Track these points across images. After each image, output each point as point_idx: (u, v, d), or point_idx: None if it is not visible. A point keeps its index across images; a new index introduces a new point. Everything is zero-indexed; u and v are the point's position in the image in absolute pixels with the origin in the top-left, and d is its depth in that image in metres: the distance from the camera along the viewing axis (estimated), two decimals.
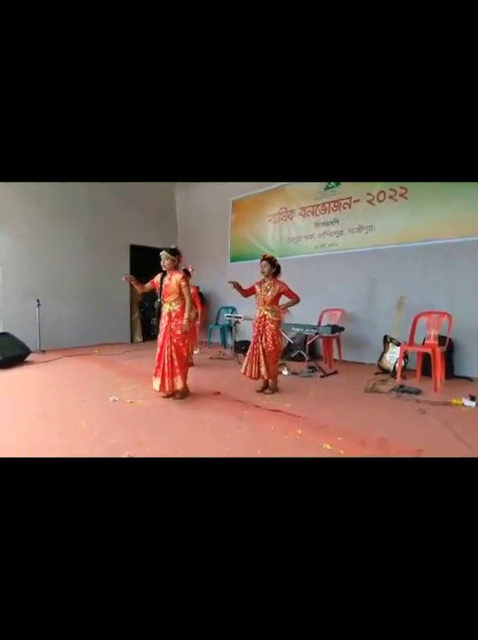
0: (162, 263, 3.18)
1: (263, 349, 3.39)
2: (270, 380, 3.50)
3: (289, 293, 3.43)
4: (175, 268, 3.20)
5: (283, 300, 3.52)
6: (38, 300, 5.58)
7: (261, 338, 3.42)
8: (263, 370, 3.39)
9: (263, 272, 3.44)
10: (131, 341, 7.26)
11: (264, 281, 3.48)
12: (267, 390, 3.50)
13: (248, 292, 3.54)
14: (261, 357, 3.39)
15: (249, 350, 3.51)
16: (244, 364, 3.51)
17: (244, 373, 3.48)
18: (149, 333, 7.77)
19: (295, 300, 3.45)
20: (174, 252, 3.19)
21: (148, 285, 3.36)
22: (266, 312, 3.43)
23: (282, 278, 3.52)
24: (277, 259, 3.53)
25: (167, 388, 3.11)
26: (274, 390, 3.50)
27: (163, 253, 3.18)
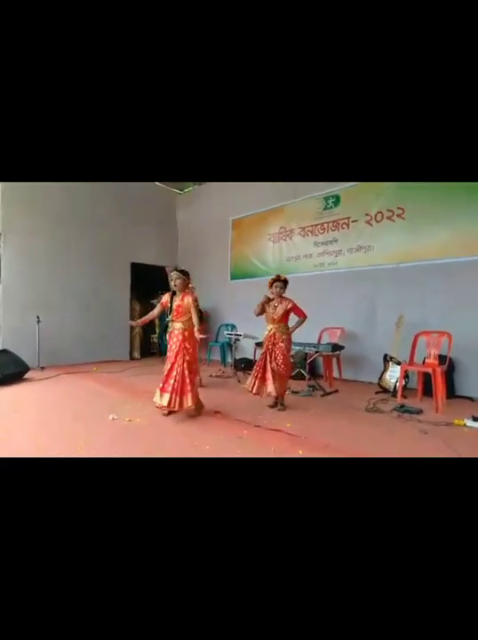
0: (173, 283, 3.27)
1: (272, 369, 3.43)
2: (280, 398, 3.56)
3: (296, 310, 3.49)
4: (186, 287, 3.27)
5: (293, 317, 3.57)
6: (38, 317, 5.59)
7: (270, 356, 3.47)
8: (270, 387, 3.42)
9: (274, 293, 3.49)
10: (131, 358, 7.23)
11: (272, 299, 3.53)
12: (279, 406, 3.54)
13: (261, 313, 3.59)
14: (268, 375, 3.44)
15: (256, 366, 3.55)
16: (250, 380, 3.54)
17: (249, 389, 3.52)
18: (148, 350, 7.76)
19: (302, 319, 3.52)
20: (185, 273, 3.29)
21: (157, 310, 3.41)
22: (275, 330, 3.49)
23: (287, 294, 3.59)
24: (287, 277, 3.61)
25: (173, 405, 3.10)
26: (284, 406, 3.55)
27: (174, 273, 3.27)
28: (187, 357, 3.16)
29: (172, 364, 3.17)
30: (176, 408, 3.13)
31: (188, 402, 3.11)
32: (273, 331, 3.50)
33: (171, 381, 3.12)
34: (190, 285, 3.41)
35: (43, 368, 5.54)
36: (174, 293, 3.28)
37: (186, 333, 3.19)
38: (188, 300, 3.21)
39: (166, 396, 3.11)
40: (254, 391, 3.47)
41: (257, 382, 3.46)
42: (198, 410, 3.27)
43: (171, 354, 3.23)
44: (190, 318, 3.21)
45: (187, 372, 3.13)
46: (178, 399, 3.09)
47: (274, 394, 3.46)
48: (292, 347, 4.59)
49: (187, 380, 3.12)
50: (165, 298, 3.32)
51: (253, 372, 3.55)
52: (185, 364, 3.14)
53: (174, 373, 3.13)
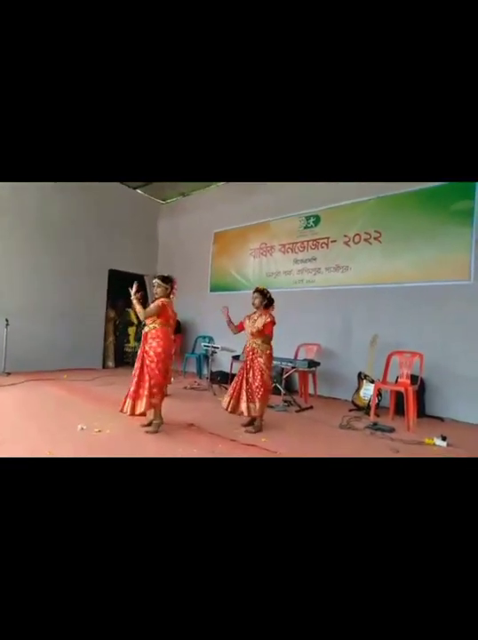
0: (154, 291, 3.17)
1: (249, 385, 3.27)
2: (256, 418, 3.32)
3: (268, 326, 3.30)
4: (166, 295, 3.16)
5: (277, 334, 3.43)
6: (7, 320, 5.34)
7: (249, 373, 3.30)
8: (243, 406, 3.24)
9: (253, 304, 3.37)
10: (104, 367, 7.02)
11: (254, 313, 3.40)
12: (251, 428, 3.29)
13: (239, 328, 3.43)
14: (243, 393, 3.26)
15: (233, 382, 3.39)
16: (225, 398, 3.37)
17: (225, 407, 3.34)
18: (122, 359, 7.56)
19: (264, 336, 3.30)
20: (166, 280, 3.17)
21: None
22: (255, 345, 3.32)
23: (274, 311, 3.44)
24: (269, 291, 3.45)
25: (125, 410, 2.96)
26: (258, 429, 3.27)
27: (155, 280, 3.16)
28: (147, 362, 3.01)
29: (139, 369, 3.03)
30: (130, 413, 2.96)
31: (142, 407, 2.96)
32: (252, 345, 3.35)
33: (140, 390, 2.98)
34: (173, 294, 3.25)
35: (8, 374, 5.27)
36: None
37: (149, 336, 3.06)
38: (157, 303, 3.09)
39: (129, 402, 2.97)
40: (229, 410, 3.31)
41: (232, 401, 3.30)
42: (156, 426, 3.08)
43: (137, 360, 3.09)
44: (156, 320, 3.06)
45: (147, 377, 2.98)
46: (131, 404, 2.95)
47: (245, 414, 3.26)
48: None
49: (144, 385, 2.97)
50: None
51: (230, 388, 3.39)
52: (145, 368, 3.01)
53: (136, 379, 3.00)
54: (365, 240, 5.03)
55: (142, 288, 3.21)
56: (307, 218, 5.69)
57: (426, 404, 4.25)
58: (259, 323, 3.32)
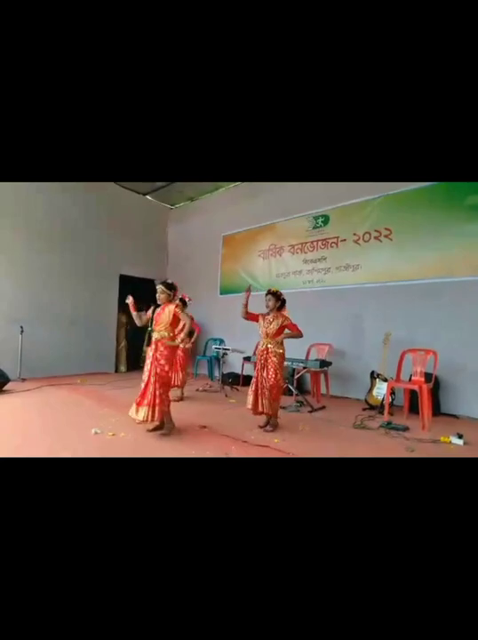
0: (157, 296, 3.20)
1: (263, 385, 3.34)
2: (271, 417, 3.41)
3: (292, 327, 3.39)
4: (170, 301, 3.20)
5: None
6: (22, 327, 5.46)
7: (263, 371, 3.37)
8: (262, 403, 3.34)
9: (267, 306, 3.43)
10: (116, 371, 7.10)
11: (268, 314, 3.46)
12: (268, 426, 3.38)
13: (250, 316, 3.45)
14: (264, 391, 3.34)
15: (251, 384, 3.44)
16: (249, 399, 3.41)
17: (250, 408, 3.39)
18: (136, 364, 7.63)
19: (297, 333, 3.39)
20: (171, 287, 3.21)
21: (145, 319, 3.33)
22: (269, 345, 3.38)
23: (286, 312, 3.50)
24: (282, 293, 3.50)
25: (152, 419, 3.01)
26: (275, 426, 3.40)
27: (159, 286, 3.21)
28: (158, 370, 3.05)
29: (148, 376, 3.07)
30: (154, 421, 3.03)
31: (156, 415, 3.01)
32: (265, 345, 3.40)
33: (149, 395, 3.02)
34: (180, 301, 3.28)
35: (24, 380, 5.38)
36: (158, 305, 3.22)
37: (159, 344, 3.10)
38: (170, 308, 3.13)
39: (142, 410, 2.99)
40: (253, 409, 3.37)
41: (254, 399, 3.37)
42: (168, 429, 3.14)
43: (146, 367, 3.13)
44: (168, 328, 3.12)
45: (157, 385, 3.03)
46: (151, 411, 2.99)
47: (265, 411, 3.35)
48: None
49: (156, 393, 3.02)
50: (150, 311, 3.26)
51: (251, 390, 3.43)
52: (156, 377, 3.04)
53: (150, 386, 3.03)
54: (375, 238, 4.99)
55: (154, 293, 3.24)
56: (316, 218, 5.67)
57: (441, 402, 4.17)
58: (275, 325, 3.37)
